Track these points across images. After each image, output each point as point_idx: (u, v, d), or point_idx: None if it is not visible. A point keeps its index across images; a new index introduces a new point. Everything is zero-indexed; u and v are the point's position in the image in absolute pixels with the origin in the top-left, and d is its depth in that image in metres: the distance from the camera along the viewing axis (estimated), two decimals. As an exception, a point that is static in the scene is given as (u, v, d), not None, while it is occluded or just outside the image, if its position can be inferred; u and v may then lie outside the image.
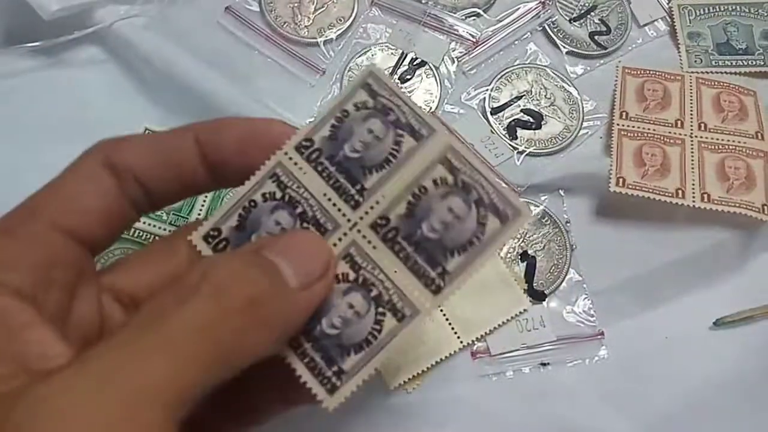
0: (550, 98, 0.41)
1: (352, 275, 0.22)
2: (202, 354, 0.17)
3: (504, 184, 0.23)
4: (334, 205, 0.23)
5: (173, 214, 0.36)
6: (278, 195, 0.23)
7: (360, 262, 0.22)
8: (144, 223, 0.36)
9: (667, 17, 0.44)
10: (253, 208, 0.23)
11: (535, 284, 0.37)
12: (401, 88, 0.23)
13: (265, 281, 0.19)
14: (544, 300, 0.37)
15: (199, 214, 0.37)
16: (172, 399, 0.16)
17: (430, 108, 0.40)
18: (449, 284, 0.21)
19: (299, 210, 0.23)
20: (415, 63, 0.41)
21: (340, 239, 0.23)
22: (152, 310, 0.18)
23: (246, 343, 0.18)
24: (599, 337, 0.36)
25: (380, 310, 0.22)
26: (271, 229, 0.23)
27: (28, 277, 0.19)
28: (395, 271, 0.22)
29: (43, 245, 0.20)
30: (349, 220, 0.23)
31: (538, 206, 0.38)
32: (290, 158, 0.23)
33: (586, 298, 0.37)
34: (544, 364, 0.36)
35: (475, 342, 0.36)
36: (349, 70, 0.41)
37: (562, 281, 0.37)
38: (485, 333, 0.35)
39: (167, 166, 0.22)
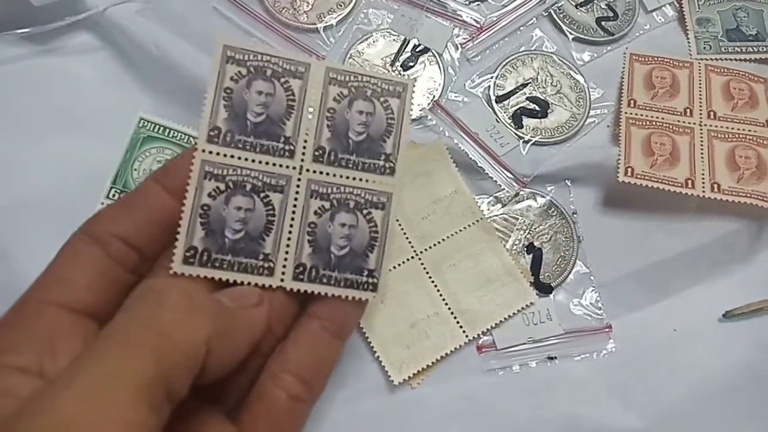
0: (556, 86, 0.40)
1: (326, 204, 0.25)
2: (147, 342, 0.20)
3: (382, 71, 0.27)
4: (274, 164, 0.25)
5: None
6: (222, 187, 0.25)
7: (324, 190, 0.25)
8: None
9: (676, 2, 0.43)
10: (208, 211, 0.25)
11: (541, 277, 0.36)
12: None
13: (199, 287, 0.23)
14: (551, 293, 0.36)
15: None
16: (137, 380, 0.19)
17: (434, 96, 0.39)
18: (397, 160, 0.26)
19: (248, 187, 0.25)
20: (417, 50, 0.40)
21: (298, 186, 0.25)
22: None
23: (187, 332, 0.21)
24: (607, 330, 0.36)
25: (365, 211, 0.25)
26: (235, 216, 0.25)
27: (30, 355, 0.21)
28: (353, 179, 0.26)
29: (38, 325, 0.22)
30: (294, 168, 0.25)
31: (545, 197, 0.38)
32: (210, 152, 0.25)
33: (593, 290, 0.36)
34: (551, 358, 0.35)
35: (481, 336, 0.35)
36: (350, 57, 0.40)
37: (569, 273, 0.36)
38: (491, 327, 0.35)
39: (144, 217, 0.24)
